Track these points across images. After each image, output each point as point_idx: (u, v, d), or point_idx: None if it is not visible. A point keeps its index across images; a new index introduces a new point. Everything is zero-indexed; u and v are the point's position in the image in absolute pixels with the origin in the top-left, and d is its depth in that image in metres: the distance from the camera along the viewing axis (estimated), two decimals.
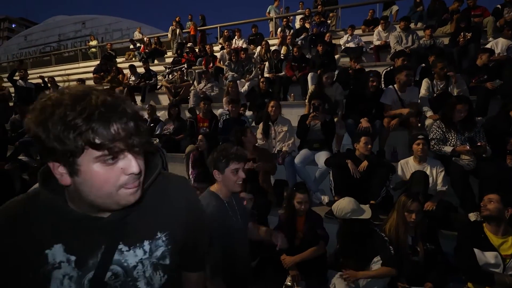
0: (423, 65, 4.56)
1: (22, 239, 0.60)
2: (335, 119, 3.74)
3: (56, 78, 7.91)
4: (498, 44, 4.67)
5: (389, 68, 4.37)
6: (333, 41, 6.57)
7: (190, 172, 3.68)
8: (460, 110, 2.83)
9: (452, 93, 3.51)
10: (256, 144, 3.38)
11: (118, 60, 10.00)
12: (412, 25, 6.28)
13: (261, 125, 3.75)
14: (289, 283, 2.16)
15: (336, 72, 4.90)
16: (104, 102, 0.53)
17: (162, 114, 5.60)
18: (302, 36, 7.03)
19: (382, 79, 4.23)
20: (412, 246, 2.14)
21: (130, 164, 0.57)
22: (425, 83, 3.68)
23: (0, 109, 6.02)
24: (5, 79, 7.58)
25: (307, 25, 7.39)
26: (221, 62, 6.87)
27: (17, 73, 7.17)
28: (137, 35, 11.47)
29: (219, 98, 5.63)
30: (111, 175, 0.56)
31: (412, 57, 4.75)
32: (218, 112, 4.71)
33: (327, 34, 6.30)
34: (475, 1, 6.06)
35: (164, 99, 6.75)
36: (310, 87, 4.52)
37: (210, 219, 1.57)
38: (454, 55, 4.86)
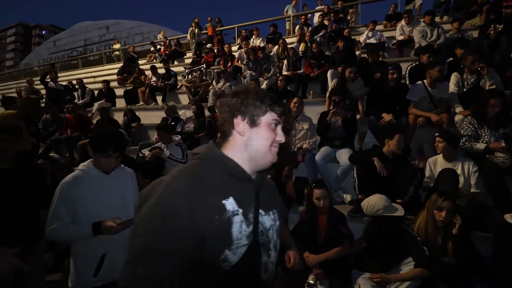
0: (451, 59, 4.35)
1: (207, 192, 0.74)
2: (358, 116, 3.65)
3: (84, 80, 8.31)
4: None
5: (414, 64, 4.20)
6: (353, 38, 6.42)
7: None
8: (493, 104, 2.67)
9: (483, 87, 3.32)
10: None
11: (140, 62, 10.34)
12: (437, 19, 6.01)
13: None
14: (312, 281, 2.13)
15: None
16: (270, 93, 0.87)
17: (182, 113, 5.72)
18: (321, 33, 6.93)
19: (407, 75, 4.08)
20: (442, 246, 2.04)
21: (281, 133, 0.84)
22: (454, 77, 3.50)
23: (33, 110, 6.38)
24: (37, 82, 8.06)
25: (326, 22, 7.27)
26: (239, 61, 6.92)
27: (48, 76, 7.60)
28: (160, 37, 11.79)
29: None
30: (272, 135, 0.82)
31: (439, 52, 4.53)
32: None
33: (346, 30, 6.16)
34: None
35: (184, 99, 6.90)
36: (330, 84, 4.44)
37: None
38: (485, 48, 4.59)
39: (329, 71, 4.84)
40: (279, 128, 0.84)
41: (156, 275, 0.67)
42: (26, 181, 1.60)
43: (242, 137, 0.81)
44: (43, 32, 62.23)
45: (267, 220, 0.85)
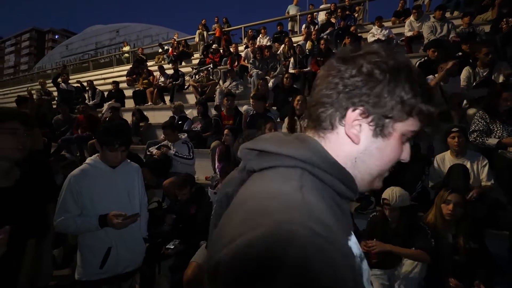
0: (460, 53, 4.25)
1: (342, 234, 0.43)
2: None
3: (94, 82, 8.51)
4: None
5: (423, 59, 4.12)
6: (361, 35, 6.34)
7: (216, 166, 3.75)
8: (506, 98, 2.59)
9: (496, 80, 3.22)
10: None
11: (149, 63, 10.50)
12: (447, 14, 5.87)
13: (286, 120, 3.71)
14: None
15: None
16: (426, 80, 0.51)
17: (189, 113, 5.78)
18: (328, 31, 6.87)
19: None
20: (453, 244, 1.98)
21: (407, 151, 0.52)
22: (465, 71, 3.42)
23: (45, 110, 6.55)
24: (50, 84, 8.29)
25: (332, 20, 7.21)
26: (246, 61, 6.94)
27: (60, 78, 7.80)
28: (175, 38, 11.86)
29: (244, 96, 5.68)
30: (399, 152, 0.51)
31: (448, 46, 4.43)
32: (243, 108, 4.76)
33: (353, 27, 6.09)
34: None
35: (191, 98, 6.96)
36: None
37: None
38: (497, 42, 4.45)
39: None
40: (407, 143, 0.53)
41: None
42: (35, 175, 1.64)
43: (353, 144, 0.50)
44: (56, 37, 64.08)
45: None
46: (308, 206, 0.39)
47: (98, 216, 1.53)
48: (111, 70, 13.14)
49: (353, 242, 0.47)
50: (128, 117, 6.05)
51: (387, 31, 6.15)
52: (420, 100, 0.48)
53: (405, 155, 0.52)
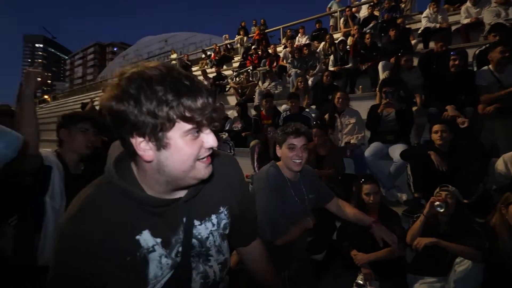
0: None
1: (112, 227, 0.61)
2: (414, 108, 3.33)
3: None
4: None
5: (484, 47, 3.66)
6: (408, 26, 5.84)
7: (255, 165, 3.83)
8: None
9: None
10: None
11: (194, 68, 11.16)
12: None
13: (326, 117, 3.63)
14: (361, 282, 2.02)
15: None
16: (187, 77, 0.55)
17: (230, 113, 6.00)
18: (371, 25, 6.50)
19: (475, 60, 3.58)
20: None
21: (210, 138, 0.59)
22: None
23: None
24: None
25: (376, 13, 6.79)
26: (284, 61, 6.94)
27: None
28: (225, 40, 12.35)
29: (283, 95, 5.69)
30: (194, 148, 0.58)
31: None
32: (282, 108, 4.77)
33: (399, 19, 5.65)
34: None
35: (232, 100, 7.21)
36: (382, 76, 4.15)
37: (264, 182, 1.57)
38: None
39: (381, 63, 4.53)
40: (204, 133, 0.59)
41: None
42: (97, 167, 1.87)
43: (151, 163, 0.58)
44: (115, 49, 72.16)
45: (203, 229, 0.73)
46: (82, 204, 0.63)
47: None
48: None
49: (144, 237, 0.63)
50: None
51: (443, 14, 5.47)
52: (168, 98, 0.52)
53: (208, 144, 0.59)
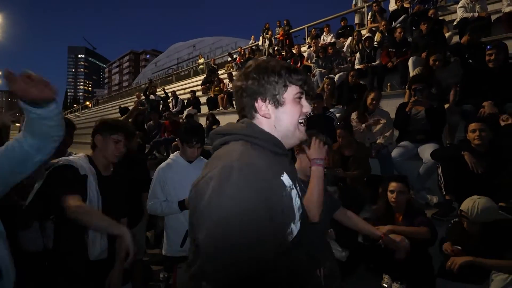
0: None
1: (268, 169, 0.72)
2: (446, 106, 3.15)
3: (177, 92, 9.82)
4: None
5: None
6: (442, 18, 5.48)
7: None
8: None
9: None
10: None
11: (220, 72, 11.48)
12: None
13: (355, 114, 3.55)
14: (385, 285, 1.97)
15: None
16: (285, 63, 0.83)
17: None
18: (401, 18, 6.18)
19: None
20: None
21: (307, 104, 0.82)
22: None
23: (141, 118, 7.89)
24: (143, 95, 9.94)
25: (406, 5, 6.45)
26: (309, 60, 6.89)
27: (148, 91, 9.29)
28: (251, 42, 12.64)
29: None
30: (298, 109, 0.80)
31: None
32: None
33: (431, 10, 5.29)
34: None
35: None
36: (412, 73, 3.96)
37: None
38: None
39: (411, 58, 4.32)
40: (303, 99, 0.81)
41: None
42: (129, 170, 2.03)
43: (269, 119, 0.79)
44: (148, 56, 76.50)
45: (300, 191, 0.86)
46: (240, 154, 0.71)
47: (178, 201, 1.84)
48: (190, 80, 14.89)
49: (285, 178, 0.77)
50: (203, 121, 6.77)
51: (481, 3, 5.03)
52: (284, 75, 0.78)
53: (306, 108, 0.81)
